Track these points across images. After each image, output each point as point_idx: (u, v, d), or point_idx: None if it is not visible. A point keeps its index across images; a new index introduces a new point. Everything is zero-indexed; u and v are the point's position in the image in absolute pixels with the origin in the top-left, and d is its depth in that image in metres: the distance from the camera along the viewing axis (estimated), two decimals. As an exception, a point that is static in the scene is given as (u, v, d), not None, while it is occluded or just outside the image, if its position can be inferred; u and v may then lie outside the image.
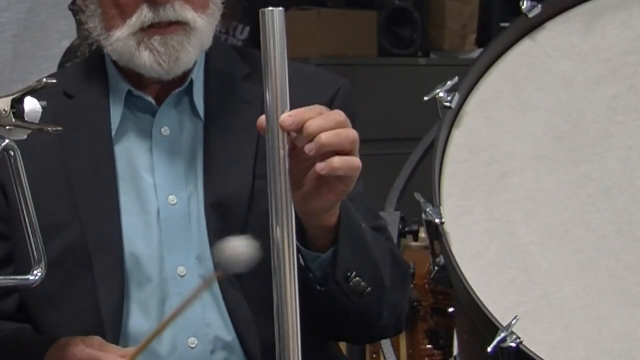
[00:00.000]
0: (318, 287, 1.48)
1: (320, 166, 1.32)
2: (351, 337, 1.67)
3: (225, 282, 1.56)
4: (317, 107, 1.33)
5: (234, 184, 1.57)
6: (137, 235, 1.57)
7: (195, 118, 1.62)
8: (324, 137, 1.31)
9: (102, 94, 1.62)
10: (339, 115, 1.34)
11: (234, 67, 1.66)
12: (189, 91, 1.62)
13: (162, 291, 1.56)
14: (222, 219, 1.56)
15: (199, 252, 1.57)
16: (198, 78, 1.63)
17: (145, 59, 1.55)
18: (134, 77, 1.61)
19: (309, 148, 1.30)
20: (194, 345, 1.55)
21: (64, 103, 1.62)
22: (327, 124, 1.32)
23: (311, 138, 1.30)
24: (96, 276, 1.55)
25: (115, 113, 1.61)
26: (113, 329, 1.54)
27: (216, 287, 1.56)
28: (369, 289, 1.50)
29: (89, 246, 1.56)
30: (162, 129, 1.60)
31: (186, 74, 1.62)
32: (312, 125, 1.30)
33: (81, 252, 1.56)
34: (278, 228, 1.27)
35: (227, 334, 1.56)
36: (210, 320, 1.55)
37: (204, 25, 1.58)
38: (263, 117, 1.27)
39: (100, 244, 1.56)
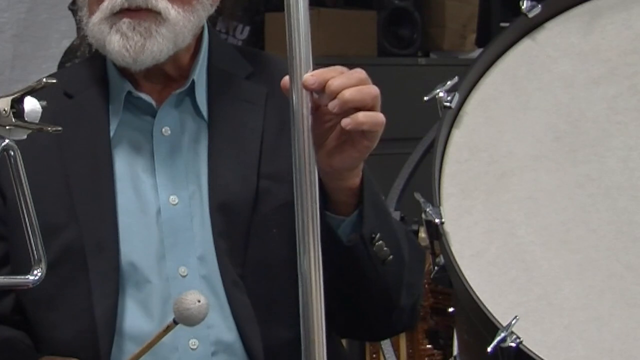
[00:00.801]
0: (345, 244, 1.49)
1: (345, 121, 1.37)
2: (371, 323, 1.65)
3: (229, 283, 1.56)
4: (339, 67, 1.39)
5: (239, 184, 1.57)
6: (135, 236, 1.57)
7: (199, 118, 1.62)
8: (347, 93, 1.36)
9: (102, 95, 1.62)
10: (360, 73, 1.40)
11: (236, 67, 1.66)
12: (190, 92, 1.62)
13: (163, 291, 1.56)
14: (226, 219, 1.56)
15: (201, 252, 1.57)
16: (200, 78, 1.63)
17: (114, 43, 1.55)
18: (135, 78, 1.61)
19: (332, 105, 1.35)
20: (194, 347, 1.55)
21: (64, 103, 1.62)
22: (349, 82, 1.37)
23: (334, 96, 1.36)
24: (91, 278, 1.55)
25: (115, 114, 1.61)
26: (107, 331, 1.54)
27: (220, 288, 1.56)
28: (391, 256, 1.51)
29: (86, 248, 1.56)
30: (163, 129, 1.60)
31: (187, 74, 1.62)
32: (334, 83, 1.35)
33: (78, 254, 1.56)
34: (301, 185, 1.30)
35: (229, 335, 1.56)
36: (212, 321, 1.55)
37: (179, 19, 1.57)
38: (287, 77, 1.30)
39: (96, 246, 1.56)
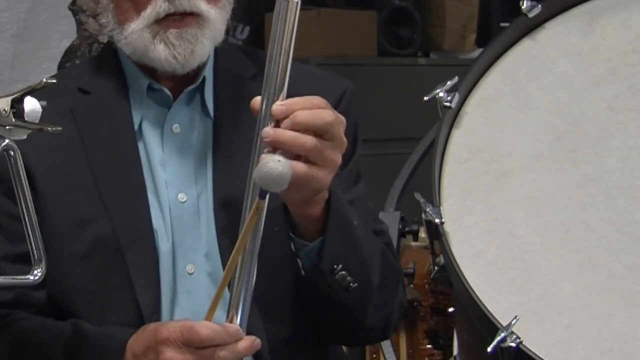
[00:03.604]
0: (302, 273, 1.49)
1: (267, 132, 1.36)
2: (340, 336, 1.67)
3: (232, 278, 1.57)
4: (314, 99, 1.38)
5: (242, 182, 1.58)
6: (159, 230, 1.58)
7: (205, 117, 1.63)
8: (288, 135, 1.35)
9: (120, 89, 1.63)
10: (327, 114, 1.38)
11: (241, 68, 1.67)
12: (201, 89, 1.63)
13: (172, 288, 1.57)
14: (230, 217, 1.57)
15: (208, 249, 1.58)
16: (208, 77, 1.64)
17: (161, 52, 1.56)
18: (150, 72, 1.62)
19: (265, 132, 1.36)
20: None
21: (80, 99, 1.63)
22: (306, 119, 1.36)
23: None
24: (130, 270, 1.55)
25: (137, 107, 1.62)
26: (153, 322, 1.54)
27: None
28: (355, 284, 1.50)
29: (120, 241, 1.56)
30: (173, 127, 1.61)
31: (199, 70, 1.62)
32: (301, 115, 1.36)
33: (112, 246, 1.56)
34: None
35: None
36: (218, 318, 1.56)
37: (217, 17, 1.59)
38: (258, 98, 1.32)
39: (130, 238, 1.56)
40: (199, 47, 1.57)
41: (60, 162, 1.57)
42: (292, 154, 1.36)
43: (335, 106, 1.64)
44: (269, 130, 1.35)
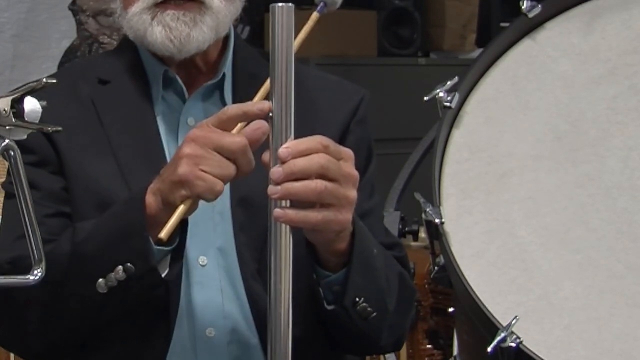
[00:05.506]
0: (326, 306, 1.50)
1: (276, 213, 1.36)
2: (351, 352, 1.68)
3: (247, 275, 1.57)
4: (318, 138, 1.37)
5: (260, 179, 1.58)
6: None
7: None
8: (292, 186, 1.35)
9: (140, 78, 1.64)
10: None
11: (259, 69, 1.67)
12: (220, 85, 1.63)
13: (186, 279, 1.57)
14: (247, 213, 1.58)
15: (221, 243, 1.58)
16: (228, 74, 1.64)
17: (157, 34, 1.57)
18: (168, 65, 1.62)
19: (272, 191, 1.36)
20: (211, 335, 1.56)
21: (100, 89, 1.64)
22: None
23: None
24: None
25: (156, 95, 1.62)
26: (174, 300, 1.54)
27: (238, 280, 1.57)
28: (374, 314, 1.51)
29: None
30: (188, 119, 1.62)
31: (214, 69, 1.63)
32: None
33: None
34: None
35: (245, 326, 1.57)
36: (229, 312, 1.56)
37: (221, 8, 1.59)
38: (267, 153, 1.34)
39: None
40: (197, 32, 1.57)
41: (85, 147, 1.58)
42: (306, 201, 1.37)
43: (352, 115, 1.65)
44: (274, 188, 1.35)
